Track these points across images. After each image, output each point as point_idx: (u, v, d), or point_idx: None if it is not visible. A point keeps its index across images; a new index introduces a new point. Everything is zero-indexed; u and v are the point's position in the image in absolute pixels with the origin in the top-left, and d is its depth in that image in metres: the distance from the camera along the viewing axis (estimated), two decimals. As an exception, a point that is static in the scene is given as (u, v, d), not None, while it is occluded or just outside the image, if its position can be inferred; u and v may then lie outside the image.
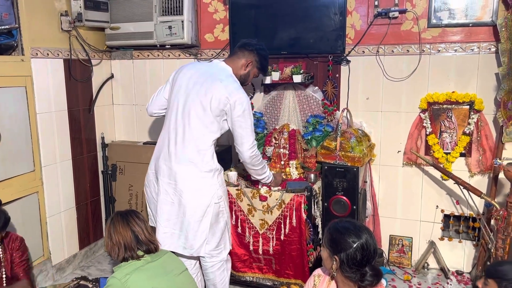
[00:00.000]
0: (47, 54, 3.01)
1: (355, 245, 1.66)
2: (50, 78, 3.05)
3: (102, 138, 3.56)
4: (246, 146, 2.38)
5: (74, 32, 3.19)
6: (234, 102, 2.29)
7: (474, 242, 2.99)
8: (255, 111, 3.23)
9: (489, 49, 2.78)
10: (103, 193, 3.60)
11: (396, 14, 2.88)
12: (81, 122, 3.36)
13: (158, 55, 3.53)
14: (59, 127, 3.15)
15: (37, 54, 2.92)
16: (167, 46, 3.36)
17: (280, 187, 2.72)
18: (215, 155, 2.39)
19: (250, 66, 2.47)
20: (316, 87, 3.17)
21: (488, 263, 2.68)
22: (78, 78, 3.30)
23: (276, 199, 2.67)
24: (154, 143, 3.49)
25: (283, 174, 2.93)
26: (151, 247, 2.03)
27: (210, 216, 2.39)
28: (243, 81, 2.48)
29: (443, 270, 3.02)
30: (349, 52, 3.04)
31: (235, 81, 2.36)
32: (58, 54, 3.09)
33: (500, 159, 2.69)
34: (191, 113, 2.34)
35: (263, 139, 3.15)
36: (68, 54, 3.15)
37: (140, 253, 2.01)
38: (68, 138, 3.23)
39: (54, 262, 3.14)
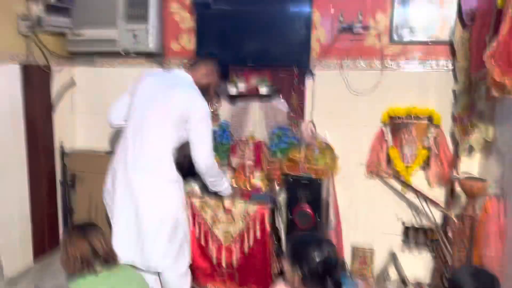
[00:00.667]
0: (3, 58, 2.91)
1: (317, 259, 1.69)
2: (5, 83, 2.95)
3: (61, 146, 3.48)
4: (203, 155, 2.35)
5: (33, 36, 3.10)
6: (194, 110, 2.28)
7: (434, 254, 3.07)
8: (222, 120, 3.23)
9: (447, 66, 2.89)
10: (61, 205, 3.50)
11: (360, 30, 2.95)
12: (38, 130, 3.26)
13: (122, 63, 3.49)
14: (14, 135, 3.04)
15: (-8, 58, 2.84)
16: (131, 54, 3.33)
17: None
18: (173, 165, 2.36)
19: (210, 76, 2.48)
20: (282, 99, 3.19)
21: (446, 274, 2.77)
22: (36, 84, 3.21)
23: (241, 211, 2.67)
24: (116, 153, 3.51)
25: (248, 185, 2.93)
26: (110, 261, 1.98)
27: (169, 228, 2.36)
28: (204, 91, 2.48)
29: (404, 282, 3.09)
30: (315, 66, 3.09)
31: (195, 89, 2.37)
32: (15, 59, 2.99)
33: (457, 172, 2.79)
34: (150, 122, 2.32)
35: (229, 150, 3.15)
36: (26, 60, 3.06)
37: (97, 267, 1.95)
38: (24, 145, 3.13)
39: (6, 275, 3.01)
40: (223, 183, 2.56)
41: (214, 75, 2.51)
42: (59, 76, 3.45)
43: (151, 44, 3.22)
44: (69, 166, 3.50)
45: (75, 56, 3.54)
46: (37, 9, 3.05)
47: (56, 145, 3.46)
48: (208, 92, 2.53)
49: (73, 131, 3.65)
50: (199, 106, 2.30)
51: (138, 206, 2.34)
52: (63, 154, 3.49)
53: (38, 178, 3.28)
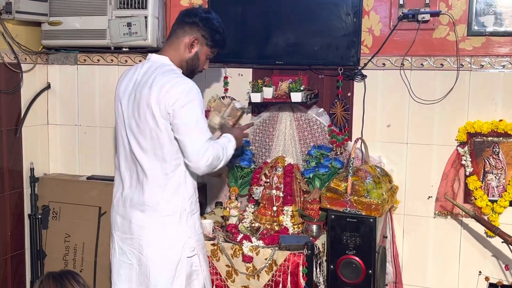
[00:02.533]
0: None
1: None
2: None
3: (31, 169, 3.52)
4: (196, 156, 2.26)
5: (-1, 27, 3.18)
6: (171, 103, 2.24)
7: (530, 322, 2.97)
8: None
9: (547, 65, 2.85)
10: (29, 245, 3.52)
11: (427, 17, 2.93)
12: (3, 148, 3.31)
13: (112, 60, 3.53)
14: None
15: None
16: (124, 49, 3.37)
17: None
18: (182, 191, 2.37)
19: (196, 45, 2.45)
20: (321, 109, 3.17)
21: None
22: (1, 88, 3.25)
23: (266, 259, 2.64)
24: (102, 178, 3.55)
25: (275, 223, 2.90)
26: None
27: (183, 278, 2.37)
28: (193, 68, 2.48)
29: None
30: (365, 64, 3.08)
31: (169, 75, 2.32)
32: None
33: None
34: (133, 144, 2.36)
35: (250, 176, 3.12)
36: (-11, 56, 3.15)
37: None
38: (-16, 168, 3.19)
39: None
40: (226, 152, 2.39)
41: (202, 43, 2.45)
42: (31, 78, 3.50)
43: (151, 36, 3.25)
44: (40, 196, 3.53)
45: (51, 52, 3.60)
46: (4, -8, 3.12)
47: (25, 167, 3.49)
48: (199, 69, 2.51)
49: (46, 149, 3.69)
50: (176, 92, 2.24)
51: (141, 252, 2.37)
52: (33, 179, 3.52)
53: (1, 211, 3.30)
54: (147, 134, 2.31)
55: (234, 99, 3.09)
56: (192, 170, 2.34)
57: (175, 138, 2.29)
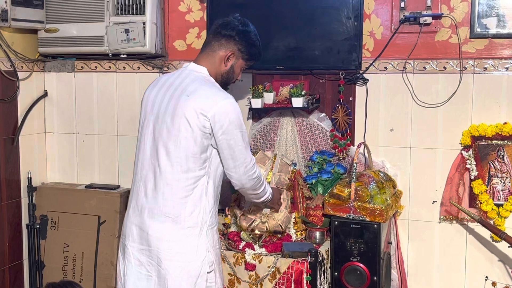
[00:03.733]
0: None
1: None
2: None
3: (29, 179, 3.53)
4: (242, 170, 2.34)
5: (-5, 34, 3.21)
6: (213, 116, 2.27)
7: (538, 328, 2.97)
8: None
9: (552, 67, 2.86)
10: (27, 256, 3.53)
11: (429, 19, 2.95)
12: (0, 158, 3.32)
13: (110, 67, 3.55)
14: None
15: None
16: (122, 56, 3.39)
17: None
18: (203, 203, 2.36)
19: (232, 59, 2.46)
20: (323, 114, 3.20)
21: None
22: (-2, 96, 3.28)
23: (269, 267, 2.65)
24: (101, 187, 3.56)
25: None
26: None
27: None
28: (227, 81, 2.49)
29: None
30: (367, 68, 3.09)
31: (211, 87, 2.35)
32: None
33: None
34: (160, 151, 2.35)
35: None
36: (-16, 65, 3.17)
37: None
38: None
39: None
40: (266, 191, 2.53)
41: (238, 57, 2.47)
42: (28, 86, 3.52)
43: (149, 42, 3.28)
44: (38, 205, 3.54)
45: (48, 59, 3.62)
46: (1, 0, 3.13)
47: (22, 177, 3.50)
48: (233, 81, 2.53)
49: (44, 158, 3.70)
50: (220, 107, 2.27)
51: (160, 265, 2.35)
52: (31, 189, 3.53)
53: (-2, 220, 3.32)
54: (178, 142, 2.30)
55: (277, 154, 3.06)
56: (233, 181, 2.38)
57: (218, 152, 2.33)
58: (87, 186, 3.56)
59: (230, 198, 3.08)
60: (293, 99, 3.00)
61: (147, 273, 2.39)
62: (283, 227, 2.76)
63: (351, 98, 3.15)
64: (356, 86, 3.14)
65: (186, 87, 2.34)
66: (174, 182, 2.33)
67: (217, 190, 2.44)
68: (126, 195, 3.36)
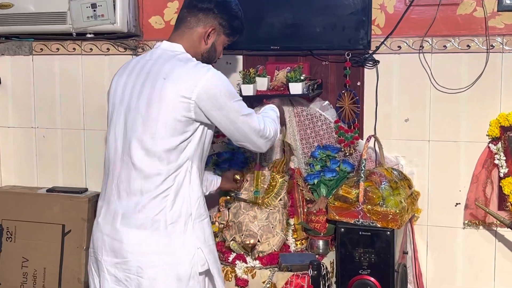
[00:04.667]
0: None
1: None
2: None
3: (-22, 181, 3.53)
4: (254, 138, 2.44)
5: None
6: (199, 96, 2.28)
7: None
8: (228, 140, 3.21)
9: None
10: (-22, 273, 3.51)
11: (450, -10, 2.95)
12: None
13: (74, 49, 3.54)
14: None
15: None
16: (88, 35, 3.38)
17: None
18: (186, 192, 2.38)
19: (213, 35, 2.48)
20: (326, 102, 3.19)
21: None
22: None
23: (263, 283, 2.64)
24: (66, 190, 3.54)
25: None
26: None
27: None
28: (209, 61, 2.51)
29: None
30: (378, 48, 3.10)
31: (187, 63, 2.37)
32: None
33: None
34: (134, 147, 2.35)
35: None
36: None
37: None
38: None
39: None
40: (277, 126, 2.64)
41: (219, 32, 2.49)
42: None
43: (120, 19, 3.26)
44: (-9, 213, 3.53)
45: (1, 40, 3.60)
46: None
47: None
48: (215, 61, 2.56)
49: (-3, 157, 3.70)
50: (203, 87, 2.28)
51: (141, 275, 2.34)
52: (-18, 193, 3.53)
53: None
54: (156, 134, 2.31)
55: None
56: (249, 149, 2.52)
57: (217, 129, 2.44)
58: (49, 190, 3.55)
59: (217, 202, 3.06)
60: (290, 84, 2.99)
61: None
62: (277, 250, 2.80)
63: (359, 83, 3.14)
64: (365, 69, 3.14)
65: (160, 68, 2.35)
66: (153, 177, 2.33)
67: (201, 175, 2.47)
68: (95, 200, 3.34)
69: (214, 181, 2.90)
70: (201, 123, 2.36)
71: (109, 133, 2.46)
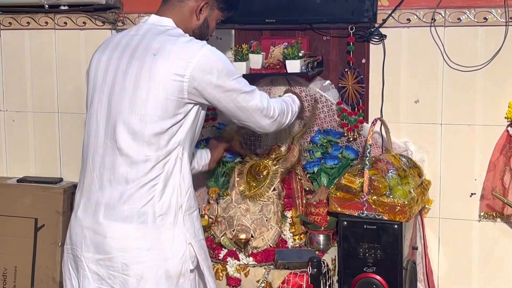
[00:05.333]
0: None
1: None
2: None
3: None
4: (257, 116, 2.49)
5: None
6: (194, 74, 2.30)
7: None
8: (218, 123, 3.22)
9: None
10: None
11: (465, -45, 2.95)
12: None
13: (47, 23, 3.53)
14: None
15: None
16: (62, 8, 3.37)
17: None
18: (176, 182, 2.39)
19: (205, 10, 2.51)
20: (327, 82, 3.19)
21: None
22: None
23: (258, 282, 2.65)
24: (38, 180, 3.54)
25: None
26: None
27: None
28: (201, 37, 2.52)
29: None
30: (385, 21, 3.09)
31: (179, 38, 2.39)
32: None
33: None
34: (119, 130, 2.35)
35: (233, 173, 3.10)
36: None
37: None
38: None
39: None
40: (293, 112, 2.74)
41: (212, 6, 2.52)
42: None
43: (97, -12, 3.27)
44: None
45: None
46: None
47: None
48: (207, 37, 2.57)
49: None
50: (198, 64, 2.30)
51: (127, 273, 2.35)
52: None
53: None
54: (145, 116, 2.32)
55: None
56: (255, 130, 2.59)
57: (217, 109, 2.54)
58: (20, 180, 3.56)
59: (206, 193, 3.07)
60: (287, 62, 2.99)
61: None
62: (272, 245, 2.82)
63: (363, 61, 3.14)
64: (370, 45, 3.13)
65: (149, 44, 2.36)
66: (140, 164, 2.34)
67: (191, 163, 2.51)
68: (71, 192, 3.37)
69: (204, 154, 2.95)
70: (195, 104, 2.37)
71: (89, 116, 2.46)
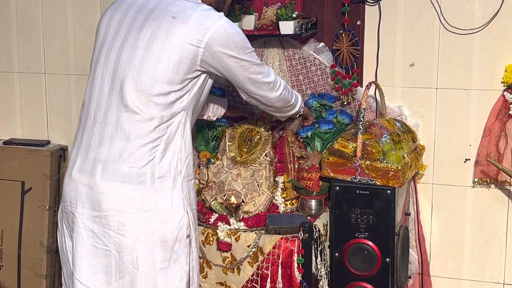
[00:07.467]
0: None
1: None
2: None
3: None
4: (267, 91, 2.58)
5: None
6: (211, 44, 2.35)
7: None
8: (213, 88, 3.21)
9: None
10: None
11: None
12: None
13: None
14: None
15: None
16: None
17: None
18: (178, 146, 2.42)
19: None
20: (322, 44, 3.18)
21: None
22: None
23: (248, 247, 2.67)
24: (25, 143, 3.53)
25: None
26: None
27: (183, 263, 2.42)
28: (218, 10, 2.53)
29: None
30: (380, -19, 3.07)
31: (199, 5, 2.42)
32: None
33: None
34: (127, 86, 2.36)
35: (224, 139, 3.11)
36: None
37: None
38: None
39: None
40: (297, 99, 2.81)
41: None
42: None
43: None
44: None
45: None
46: None
47: None
48: (223, 8, 2.61)
49: None
50: (216, 34, 2.35)
51: (122, 233, 2.36)
52: None
53: None
54: (156, 75, 2.34)
55: None
56: (262, 105, 2.68)
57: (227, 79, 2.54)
58: (6, 142, 3.55)
59: (197, 156, 3.08)
60: (280, 23, 2.98)
61: (105, 247, 2.39)
62: (264, 210, 2.84)
63: (358, 22, 3.13)
64: (366, 6, 3.12)
65: (168, 7, 2.39)
66: (145, 122, 2.36)
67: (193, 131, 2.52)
68: (58, 154, 3.37)
69: (223, 104, 3.06)
70: (204, 72, 2.42)
71: (94, 72, 2.47)
